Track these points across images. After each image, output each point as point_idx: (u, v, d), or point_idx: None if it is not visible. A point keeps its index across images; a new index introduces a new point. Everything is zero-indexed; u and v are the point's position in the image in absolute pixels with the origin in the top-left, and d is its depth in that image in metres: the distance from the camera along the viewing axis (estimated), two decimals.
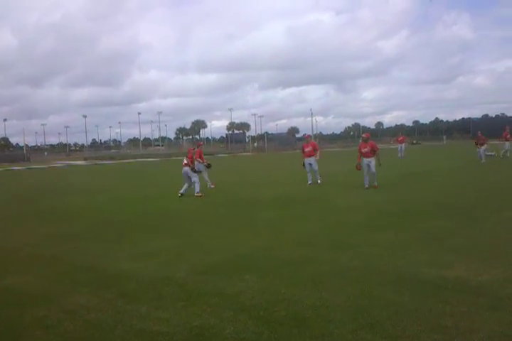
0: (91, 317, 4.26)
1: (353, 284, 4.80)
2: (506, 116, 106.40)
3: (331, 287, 4.75)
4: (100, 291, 4.98)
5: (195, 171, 13.52)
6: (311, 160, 15.00)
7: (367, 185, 13.35)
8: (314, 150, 15.12)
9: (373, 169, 13.32)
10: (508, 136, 24.80)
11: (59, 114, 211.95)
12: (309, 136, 18.77)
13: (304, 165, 15.20)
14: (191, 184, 13.49)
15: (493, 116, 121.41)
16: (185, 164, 13.52)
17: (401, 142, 31.62)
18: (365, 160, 13.45)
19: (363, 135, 14.64)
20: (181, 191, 13.39)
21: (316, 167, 14.99)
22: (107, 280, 5.40)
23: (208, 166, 15.29)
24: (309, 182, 15.04)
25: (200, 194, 13.23)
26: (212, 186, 15.51)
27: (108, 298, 4.74)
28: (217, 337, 3.70)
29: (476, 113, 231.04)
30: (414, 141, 66.11)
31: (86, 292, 4.98)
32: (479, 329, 3.61)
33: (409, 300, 4.27)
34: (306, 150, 15.22)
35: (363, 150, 13.54)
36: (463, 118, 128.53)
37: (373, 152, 13.42)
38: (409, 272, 5.13)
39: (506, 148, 25.06)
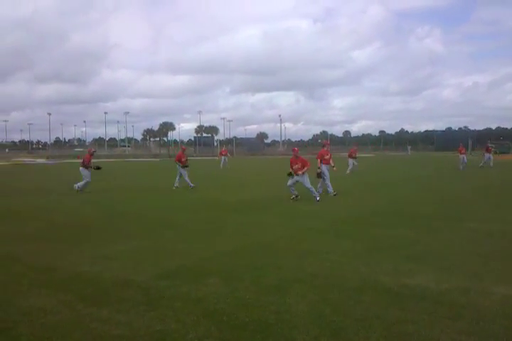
0: (48, 320, 4.12)
1: (316, 291, 4.82)
2: (469, 130, 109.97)
3: (295, 293, 4.75)
4: (59, 293, 4.83)
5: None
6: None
7: (294, 195, 12.83)
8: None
9: (307, 185, 12.73)
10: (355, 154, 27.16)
11: (22, 110, 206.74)
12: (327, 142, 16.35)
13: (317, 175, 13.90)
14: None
15: (457, 129, 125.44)
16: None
17: (489, 151, 30.30)
18: (296, 177, 12.75)
19: (294, 149, 13.53)
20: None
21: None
22: (66, 282, 5.25)
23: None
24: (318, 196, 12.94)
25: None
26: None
27: (67, 301, 4.60)
28: None
29: (441, 125, 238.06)
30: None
31: (44, 294, 4.83)
32: (439, 337, 3.67)
33: (371, 308, 4.32)
34: (327, 157, 13.95)
35: (294, 167, 12.82)
36: (427, 130, 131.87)
37: (303, 168, 12.68)
38: (371, 280, 5.19)
39: None
